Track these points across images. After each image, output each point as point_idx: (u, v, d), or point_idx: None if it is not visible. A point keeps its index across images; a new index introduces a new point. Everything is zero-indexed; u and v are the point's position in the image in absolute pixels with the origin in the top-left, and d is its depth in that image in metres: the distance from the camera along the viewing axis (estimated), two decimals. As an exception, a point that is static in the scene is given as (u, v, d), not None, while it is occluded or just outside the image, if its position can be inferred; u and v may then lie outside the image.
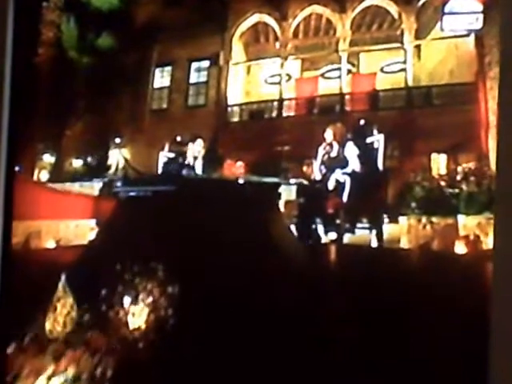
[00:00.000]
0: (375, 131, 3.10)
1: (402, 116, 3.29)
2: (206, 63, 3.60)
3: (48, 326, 1.98)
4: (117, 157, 3.71)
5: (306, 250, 2.74)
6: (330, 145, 3.11)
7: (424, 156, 3.06)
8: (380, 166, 3.07)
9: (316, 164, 3.16)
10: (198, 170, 3.25)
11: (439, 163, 3.01)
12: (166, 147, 3.25)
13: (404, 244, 2.81)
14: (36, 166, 3.48)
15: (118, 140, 3.67)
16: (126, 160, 3.70)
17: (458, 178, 2.82)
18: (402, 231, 2.85)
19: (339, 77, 3.49)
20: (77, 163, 3.71)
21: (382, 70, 3.45)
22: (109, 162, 3.45)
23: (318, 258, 2.64)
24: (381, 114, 3.37)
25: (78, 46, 3.16)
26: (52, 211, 2.96)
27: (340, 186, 3.02)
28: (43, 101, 3.28)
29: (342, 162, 3.09)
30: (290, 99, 3.57)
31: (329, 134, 3.11)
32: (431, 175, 2.94)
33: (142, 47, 3.45)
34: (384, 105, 3.35)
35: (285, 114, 3.56)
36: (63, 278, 2.07)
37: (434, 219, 2.75)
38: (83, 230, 3.05)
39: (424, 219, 2.78)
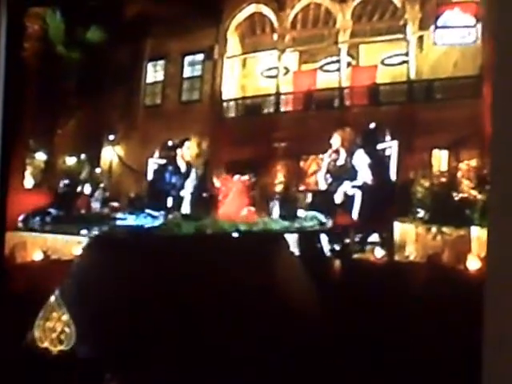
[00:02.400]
0: (387, 136, 2.85)
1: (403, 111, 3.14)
2: (200, 57, 3.48)
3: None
4: (110, 154, 3.63)
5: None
6: (337, 152, 2.82)
7: (428, 155, 2.92)
8: (393, 176, 2.75)
9: (321, 173, 2.90)
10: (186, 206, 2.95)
11: (447, 166, 2.79)
12: (156, 153, 3.11)
13: (411, 253, 2.61)
14: (27, 166, 3.41)
15: (111, 137, 3.59)
16: (119, 157, 3.61)
17: (470, 184, 2.58)
18: (410, 239, 2.64)
19: (338, 70, 3.36)
20: (70, 161, 3.64)
21: (382, 62, 3.30)
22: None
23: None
24: (382, 108, 3.23)
25: (65, 41, 3.05)
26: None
27: (349, 200, 2.69)
28: (32, 99, 3.19)
29: (350, 172, 2.78)
30: (287, 93, 3.44)
31: (336, 140, 2.81)
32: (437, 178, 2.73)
33: (134, 41, 3.34)
34: (385, 99, 3.21)
35: (282, 108, 3.44)
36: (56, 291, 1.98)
37: (445, 229, 2.51)
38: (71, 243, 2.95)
39: (434, 229, 2.56)
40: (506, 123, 1.41)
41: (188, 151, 2.99)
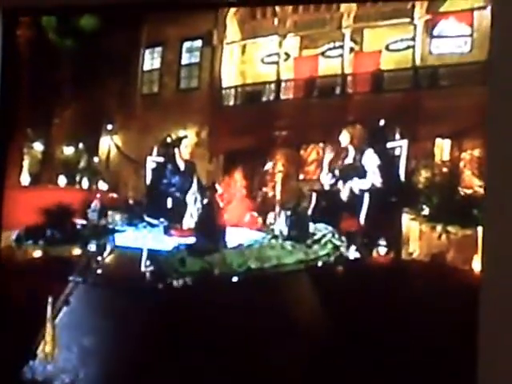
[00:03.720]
0: (397, 135, 2.71)
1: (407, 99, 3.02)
2: (198, 43, 3.38)
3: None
4: (108, 144, 3.57)
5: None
6: (346, 149, 2.69)
7: (432, 145, 2.79)
8: (402, 178, 2.61)
9: (325, 171, 2.77)
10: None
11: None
12: (155, 151, 2.99)
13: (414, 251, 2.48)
14: (25, 156, 3.37)
15: (109, 127, 3.52)
16: (117, 147, 3.55)
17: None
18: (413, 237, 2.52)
19: (341, 55, 3.23)
20: (68, 151, 3.59)
21: (387, 47, 3.16)
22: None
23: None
24: (386, 96, 3.11)
25: (58, 28, 2.98)
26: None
27: (356, 201, 2.55)
28: (27, 88, 3.14)
29: (358, 171, 2.64)
30: (288, 80, 3.33)
31: (344, 137, 2.69)
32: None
33: (130, 27, 3.25)
34: (389, 86, 3.09)
35: (283, 96, 3.33)
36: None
37: (450, 228, 2.39)
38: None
39: (439, 228, 2.44)
40: (500, 121, 1.32)
41: (186, 150, 2.88)
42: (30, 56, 3.10)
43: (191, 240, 2.34)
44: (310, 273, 2.17)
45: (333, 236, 2.34)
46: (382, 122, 2.73)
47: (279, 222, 2.59)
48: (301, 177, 3.29)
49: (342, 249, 2.30)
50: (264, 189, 2.96)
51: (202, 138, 3.40)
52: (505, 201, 1.43)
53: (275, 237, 2.37)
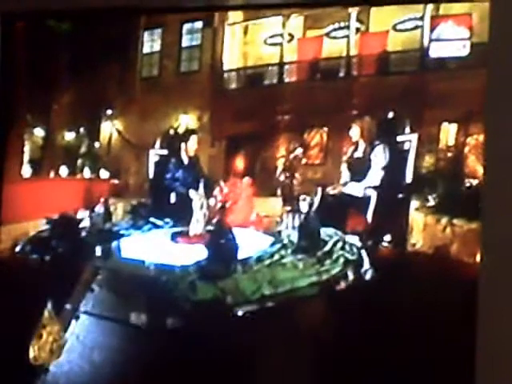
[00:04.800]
0: (407, 128, 2.58)
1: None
2: (199, 24, 3.28)
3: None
4: (110, 129, 3.52)
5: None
6: (356, 144, 2.57)
7: (437, 129, 2.68)
8: (409, 175, 2.49)
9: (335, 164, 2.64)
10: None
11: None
12: (158, 143, 2.87)
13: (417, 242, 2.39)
14: (26, 142, 3.33)
15: (109, 111, 3.47)
16: (119, 132, 3.50)
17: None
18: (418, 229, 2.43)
19: (347, 36, 3.12)
20: (69, 136, 3.55)
21: (394, 27, 3.04)
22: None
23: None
24: (392, 78, 3.00)
25: (55, 13, 2.90)
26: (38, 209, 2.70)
27: (363, 198, 2.41)
28: (26, 73, 3.08)
29: (367, 166, 2.52)
30: (291, 62, 3.23)
31: (355, 131, 2.57)
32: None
33: (128, 9, 3.15)
34: (395, 69, 2.97)
35: (286, 78, 3.23)
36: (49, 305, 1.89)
37: (455, 221, 2.28)
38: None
39: (444, 220, 2.34)
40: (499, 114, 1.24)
41: (193, 146, 2.74)
42: (29, 40, 3.03)
43: (199, 252, 2.14)
44: (325, 297, 2.01)
45: (343, 246, 2.21)
46: (390, 114, 2.63)
47: (286, 227, 2.48)
48: (303, 161, 3.23)
49: (354, 261, 2.14)
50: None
51: (204, 122, 3.33)
52: (505, 193, 1.37)
53: (284, 246, 2.22)
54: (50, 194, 2.80)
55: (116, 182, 3.28)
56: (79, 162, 3.54)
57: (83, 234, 2.29)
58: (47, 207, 2.69)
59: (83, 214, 2.76)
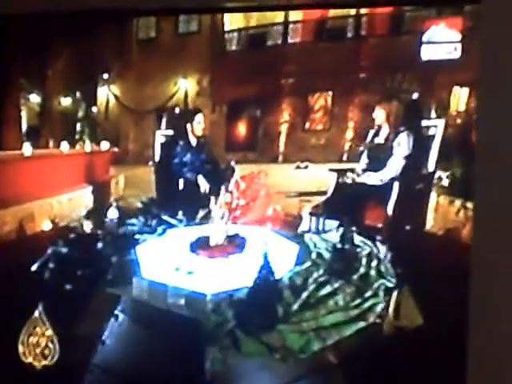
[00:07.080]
0: (433, 113, 2.35)
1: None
2: (197, -19, 3.07)
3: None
4: (106, 94, 3.39)
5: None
6: (379, 127, 2.36)
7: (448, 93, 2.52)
8: (432, 164, 2.28)
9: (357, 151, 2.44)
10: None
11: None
12: (163, 123, 2.67)
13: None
14: (22, 107, 3.22)
15: (105, 76, 3.33)
16: (116, 97, 3.37)
17: None
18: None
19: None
20: (66, 101, 3.43)
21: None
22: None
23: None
24: (404, 38, 2.81)
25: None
26: (42, 188, 2.59)
27: (385, 189, 2.22)
28: (21, 40, 2.94)
29: (389, 153, 2.27)
30: (296, 22, 3.04)
31: (380, 114, 2.34)
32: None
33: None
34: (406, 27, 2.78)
35: (290, 39, 3.06)
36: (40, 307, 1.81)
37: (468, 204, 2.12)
38: (77, 204, 2.73)
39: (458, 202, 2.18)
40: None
41: (199, 125, 2.55)
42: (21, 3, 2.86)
43: (226, 274, 1.88)
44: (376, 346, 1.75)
45: (378, 264, 2.04)
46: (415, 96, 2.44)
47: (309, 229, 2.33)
48: (307, 126, 3.08)
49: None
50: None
51: (204, 86, 3.19)
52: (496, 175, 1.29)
53: (315, 264, 2.00)
54: (52, 171, 2.71)
55: (116, 149, 3.18)
56: (78, 128, 3.44)
57: (99, 245, 2.13)
58: (50, 186, 2.61)
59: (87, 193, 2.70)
